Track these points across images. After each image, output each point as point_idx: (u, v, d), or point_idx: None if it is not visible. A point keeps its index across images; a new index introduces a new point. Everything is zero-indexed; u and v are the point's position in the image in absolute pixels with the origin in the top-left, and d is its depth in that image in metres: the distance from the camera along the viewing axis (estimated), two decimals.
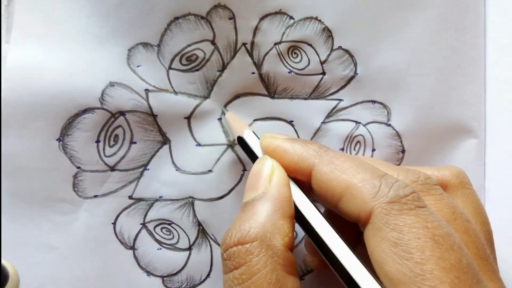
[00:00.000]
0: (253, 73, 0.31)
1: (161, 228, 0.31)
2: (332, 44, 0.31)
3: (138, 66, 0.30)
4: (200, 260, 0.31)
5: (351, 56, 0.31)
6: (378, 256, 0.20)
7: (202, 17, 0.30)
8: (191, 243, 0.31)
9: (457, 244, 0.20)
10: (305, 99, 0.31)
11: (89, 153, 0.30)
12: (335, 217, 0.23)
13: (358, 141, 0.32)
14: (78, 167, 0.30)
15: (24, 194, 0.29)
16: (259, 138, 0.27)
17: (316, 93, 0.31)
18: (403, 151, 0.32)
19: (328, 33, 0.31)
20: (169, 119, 0.30)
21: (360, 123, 0.32)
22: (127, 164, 0.30)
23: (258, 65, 0.31)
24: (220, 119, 0.31)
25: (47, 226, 0.30)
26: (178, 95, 0.30)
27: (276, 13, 0.30)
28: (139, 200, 0.31)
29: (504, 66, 0.32)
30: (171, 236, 0.31)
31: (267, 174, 0.24)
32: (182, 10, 0.30)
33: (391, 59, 0.31)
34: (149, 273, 0.31)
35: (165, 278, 0.31)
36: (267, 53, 0.31)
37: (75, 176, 0.30)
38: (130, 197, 0.31)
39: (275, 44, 0.31)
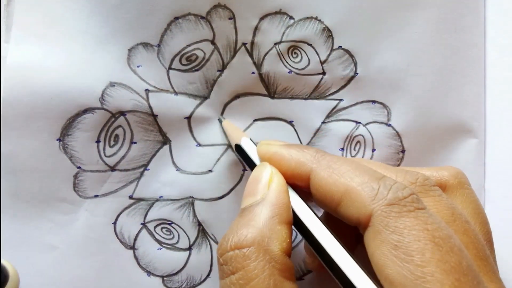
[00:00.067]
0: (253, 73, 0.31)
1: (161, 228, 0.31)
2: (332, 44, 0.31)
3: (138, 66, 0.30)
4: (200, 260, 0.31)
5: (351, 56, 0.31)
6: (379, 259, 0.20)
7: (202, 17, 0.30)
8: (191, 243, 0.31)
9: (457, 246, 0.20)
10: (305, 99, 0.31)
11: (90, 153, 0.30)
12: (334, 220, 0.23)
13: (358, 141, 0.32)
14: (79, 167, 0.30)
15: (24, 194, 0.29)
16: (256, 145, 0.27)
17: (316, 93, 0.31)
18: (403, 151, 0.32)
19: (328, 33, 0.31)
20: (169, 119, 0.30)
21: (360, 123, 0.32)
22: (128, 164, 0.30)
23: (258, 65, 0.31)
24: (220, 120, 0.31)
25: (48, 226, 0.30)
26: (178, 95, 0.30)
27: (276, 13, 0.30)
28: (140, 200, 0.31)
29: (504, 66, 0.32)
30: (171, 236, 0.31)
31: (266, 181, 0.24)
32: (182, 10, 0.29)
33: (391, 59, 0.31)
34: (149, 273, 0.31)
35: (165, 278, 0.31)
36: (267, 53, 0.31)
37: (75, 176, 0.30)
38: (131, 197, 0.31)
39: (275, 44, 0.31)
